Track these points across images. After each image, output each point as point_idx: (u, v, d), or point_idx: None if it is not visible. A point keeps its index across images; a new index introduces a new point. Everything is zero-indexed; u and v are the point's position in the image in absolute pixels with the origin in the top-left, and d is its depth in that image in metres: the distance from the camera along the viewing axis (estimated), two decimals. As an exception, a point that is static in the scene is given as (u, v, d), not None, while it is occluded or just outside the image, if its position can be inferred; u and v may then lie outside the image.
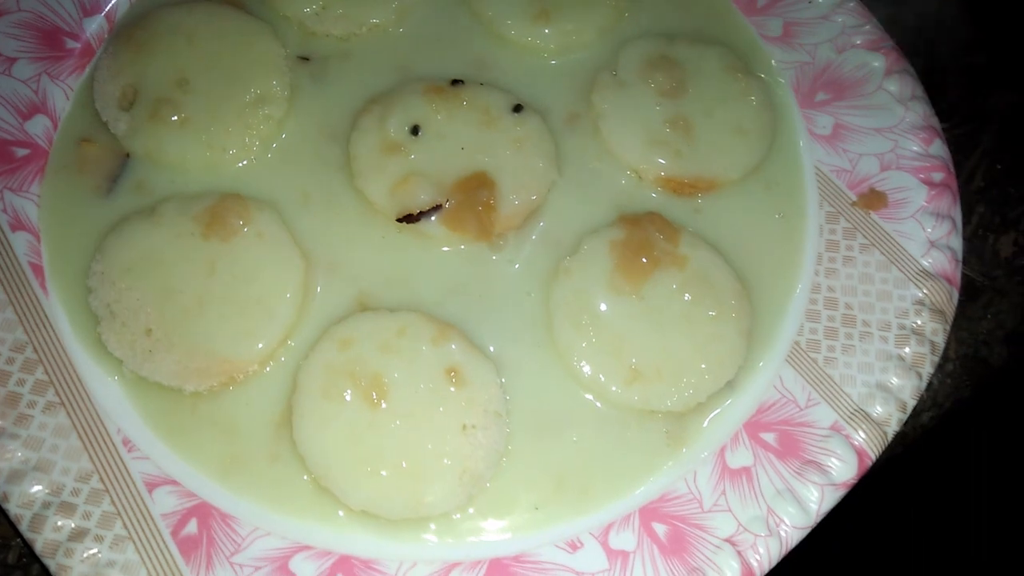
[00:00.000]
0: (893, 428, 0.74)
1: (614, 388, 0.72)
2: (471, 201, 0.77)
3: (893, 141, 0.86)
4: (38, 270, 0.74)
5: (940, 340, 0.78)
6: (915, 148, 0.85)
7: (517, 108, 0.82)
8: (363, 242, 0.78)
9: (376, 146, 0.79)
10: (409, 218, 0.77)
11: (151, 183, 0.78)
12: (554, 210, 0.80)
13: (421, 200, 0.77)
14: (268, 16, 0.86)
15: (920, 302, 0.78)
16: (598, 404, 0.73)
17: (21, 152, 0.77)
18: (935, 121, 0.87)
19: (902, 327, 0.78)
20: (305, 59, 0.84)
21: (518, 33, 0.88)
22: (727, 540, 0.69)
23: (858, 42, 0.91)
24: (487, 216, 0.77)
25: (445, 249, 0.78)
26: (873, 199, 0.83)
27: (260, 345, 0.72)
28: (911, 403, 0.75)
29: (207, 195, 0.75)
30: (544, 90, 0.86)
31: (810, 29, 0.92)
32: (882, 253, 0.81)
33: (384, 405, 0.69)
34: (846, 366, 0.76)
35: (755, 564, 0.68)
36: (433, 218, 0.77)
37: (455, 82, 0.83)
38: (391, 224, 0.78)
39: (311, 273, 0.75)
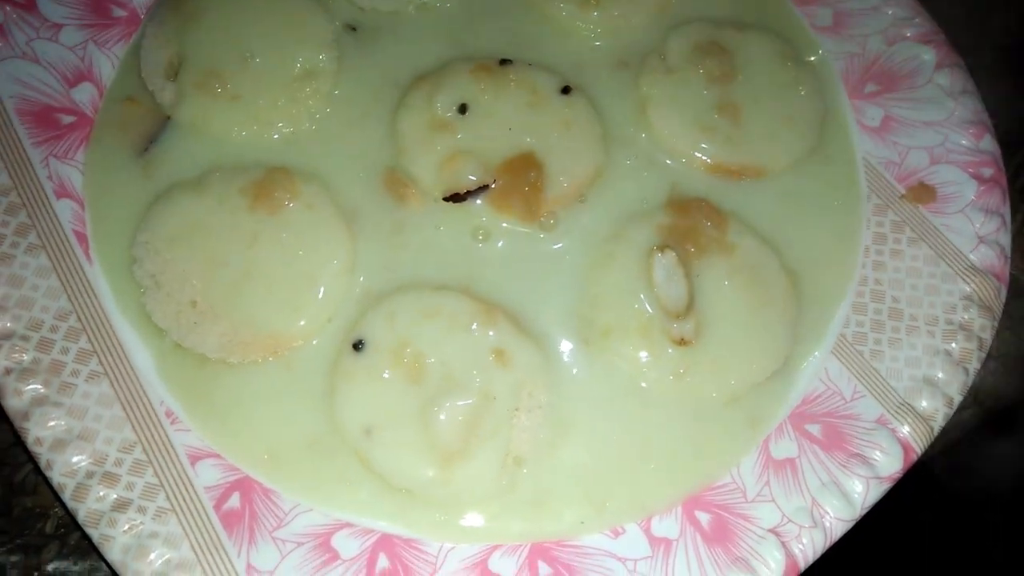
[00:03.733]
0: (939, 423, 0.73)
1: (670, 377, 0.72)
2: (518, 182, 0.76)
3: (943, 135, 0.85)
4: (82, 238, 0.73)
5: (988, 336, 0.77)
6: (965, 143, 0.84)
7: (565, 90, 0.81)
8: (408, 219, 0.77)
9: (423, 124, 0.78)
10: (455, 197, 0.76)
11: (193, 151, 0.77)
12: (601, 193, 0.79)
13: (468, 180, 0.76)
14: (316, -10, 0.85)
15: (968, 297, 0.78)
16: (648, 393, 0.72)
17: (67, 119, 0.77)
18: (985, 116, 0.86)
19: (949, 322, 0.77)
20: (352, 28, 0.83)
21: (568, 14, 0.87)
22: (771, 531, 0.68)
23: (909, 35, 0.90)
24: (534, 197, 0.76)
25: (490, 228, 0.77)
26: (922, 193, 0.82)
27: (304, 321, 0.71)
28: (958, 398, 0.74)
29: (253, 168, 0.75)
30: (592, 73, 0.85)
31: (860, 20, 0.91)
32: (930, 247, 0.80)
33: (428, 383, 0.68)
34: (892, 360, 0.75)
35: (799, 555, 0.67)
36: (479, 200, 0.77)
37: (503, 62, 0.82)
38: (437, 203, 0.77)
39: (356, 248, 0.74)
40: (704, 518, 0.69)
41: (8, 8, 0.79)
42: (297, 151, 0.78)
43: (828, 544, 0.68)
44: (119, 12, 0.82)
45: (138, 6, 0.83)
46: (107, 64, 0.80)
